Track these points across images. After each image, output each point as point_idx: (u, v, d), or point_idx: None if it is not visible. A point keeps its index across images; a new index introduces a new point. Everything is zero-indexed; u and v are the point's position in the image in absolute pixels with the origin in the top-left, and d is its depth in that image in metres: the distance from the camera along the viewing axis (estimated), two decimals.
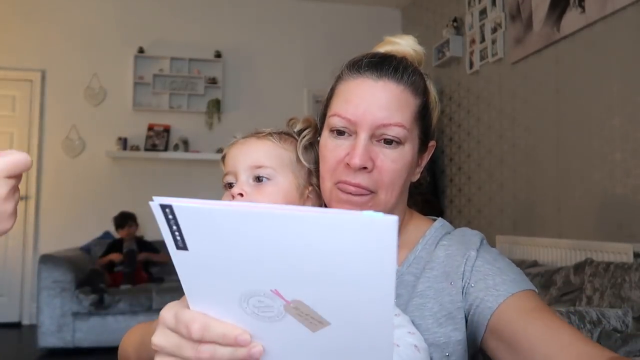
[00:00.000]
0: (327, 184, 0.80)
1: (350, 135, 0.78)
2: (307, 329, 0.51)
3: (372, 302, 0.48)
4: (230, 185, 0.82)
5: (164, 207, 0.47)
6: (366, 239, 0.43)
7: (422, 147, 0.84)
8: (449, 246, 0.83)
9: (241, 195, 0.78)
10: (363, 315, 0.49)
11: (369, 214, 0.42)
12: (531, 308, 0.74)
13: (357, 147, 0.76)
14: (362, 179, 0.77)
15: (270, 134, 0.84)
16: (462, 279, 0.79)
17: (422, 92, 0.82)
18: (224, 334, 0.52)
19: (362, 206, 0.78)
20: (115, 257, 4.39)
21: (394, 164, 0.77)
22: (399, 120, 0.77)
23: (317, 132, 0.87)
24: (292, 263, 0.47)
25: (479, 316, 0.76)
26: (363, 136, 0.76)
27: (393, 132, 0.76)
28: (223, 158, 0.87)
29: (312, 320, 0.50)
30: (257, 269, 0.48)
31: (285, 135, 0.86)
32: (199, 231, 0.48)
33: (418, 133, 0.81)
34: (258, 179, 0.80)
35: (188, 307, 0.55)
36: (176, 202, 0.47)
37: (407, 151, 0.79)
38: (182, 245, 0.49)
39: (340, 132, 0.79)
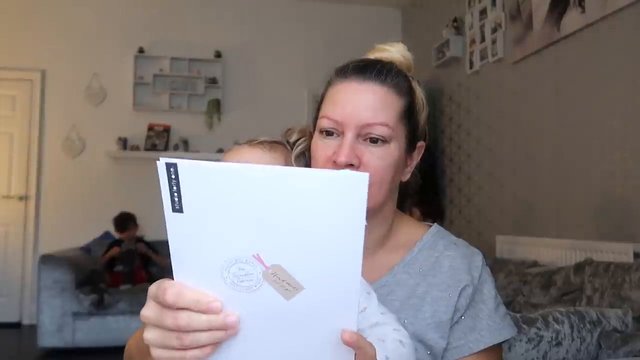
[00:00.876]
0: None
1: (339, 135, 0.83)
2: (282, 297, 0.55)
3: (342, 258, 0.53)
4: None
5: (169, 165, 0.50)
6: (341, 192, 0.50)
7: (410, 147, 0.88)
8: (454, 258, 0.87)
9: None
10: (334, 275, 0.54)
11: (344, 171, 0.50)
12: None
13: (344, 145, 0.80)
14: None
15: (261, 142, 0.88)
16: (457, 301, 0.84)
17: (406, 93, 0.86)
18: (197, 300, 0.56)
19: None
20: (116, 250, 4.40)
21: (380, 161, 0.81)
22: (384, 119, 0.81)
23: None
24: (275, 222, 0.52)
25: (456, 349, 0.83)
26: (349, 135, 0.81)
27: (378, 131, 0.81)
28: None
29: (288, 286, 0.54)
30: (244, 230, 0.52)
31: (276, 144, 0.90)
32: (196, 191, 0.52)
33: (405, 132, 0.85)
34: None
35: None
36: (181, 161, 0.51)
37: (393, 149, 0.83)
38: (178, 207, 0.52)
39: (329, 133, 0.83)
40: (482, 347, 0.82)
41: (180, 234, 0.54)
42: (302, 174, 0.51)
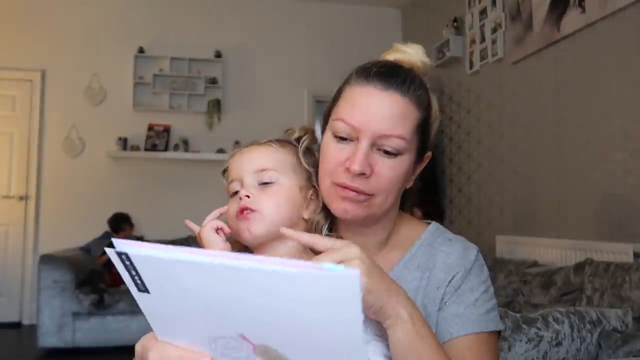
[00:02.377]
0: (326, 182, 0.84)
1: (352, 140, 0.81)
2: None
3: (342, 349, 0.47)
4: (236, 194, 0.84)
5: (120, 254, 0.47)
6: (329, 291, 0.43)
7: (419, 157, 0.87)
8: (448, 254, 0.88)
9: (248, 197, 0.81)
10: (333, 358, 0.49)
11: (329, 268, 0.41)
12: (482, 352, 0.82)
13: (358, 153, 0.79)
14: (360, 183, 0.81)
15: (270, 140, 0.88)
16: (445, 291, 0.84)
17: (425, 106, 0.85)
18: (181, 357, 0.53)
19: (358, 205, 0.82)
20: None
21: (392, 171, 0.81)
22: (401, 132, 0.80)
23: (314, 138, 0.91)
24: (256, 313, 0.46)
25: (438, 334, 0.81)
26: (364, 143, 0.80)
27: (393, 144, 0.80)
28: (224, 172, 0.91)
29: None
30: (222, 316, 0.48)
31: (283, 141, 0.89)
32: (158, 278, 0.47)
33: (416, 145, 0.84)
34: (263, 182, 0.83)
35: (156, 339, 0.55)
36: (133, 250, 0.45)
37: (404, 161, 0.82)
38: (143, 289, 0.49)
39: (342, 138, 0.82)
40: (461, 333, 0.81)
41: (154, 311, 0.51)
42: (280, 274, 0.42)
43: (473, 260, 0.87)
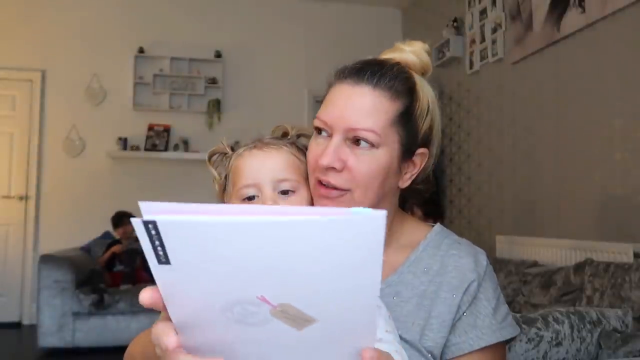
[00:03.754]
0: (311, 180, 0.84)
1: (329, 136, 0.82)
2: (294, 329, 0.52)
3: (358, 294, 0.49)
4: (249, 198, 0.83)
5: (147, 223, 0.45)
6: (355, 235, 0.44)
7: (407, 153, 0.84)
8: (459, 257, 0.86)
9: None
10: (349, 308, 0.50)
11: (356, 211, 0.43)
12: None
13: (328, 148, 0.80)
14: (332, 177, 0.81)
15: (284, 144, 0.86)
16: (462, 299, 0.83)
17: (404, 96, 0.83)
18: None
19: (337, 202, 0.82)
20: (116, 248, 4.40)
21: (365, 165, 0.80)
22: (370, 125, 0.80)
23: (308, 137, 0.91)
24: (279, 269, 0.47)
25: (456, 346, 0.82)
26: (336, 138, 0.81)
27: (363, 136, 0.80)
28: (210, 158, 0.90)
29: (299, 320, 0.51)
30: (243, 277, 0.48)
31: (292, 144, 0.88)
32: (183, 245, 0.47)
33: (398, 138, 0.82)
34: (283, 191, 0.82)
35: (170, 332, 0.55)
36: (161, 218, 0.45)
37: (380, 155, 0.81)
38: (164, 260, 0.48)
39: (320, 133, 0.83)
40: (482, 345, 0.82)
41: (171, 285, 0.51)
42: (308, 223, 0.44)
43: (485, 266, 0.87)
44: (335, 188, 0.81)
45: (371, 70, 0.82)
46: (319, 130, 0.84)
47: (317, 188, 0.82)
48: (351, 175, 0.80)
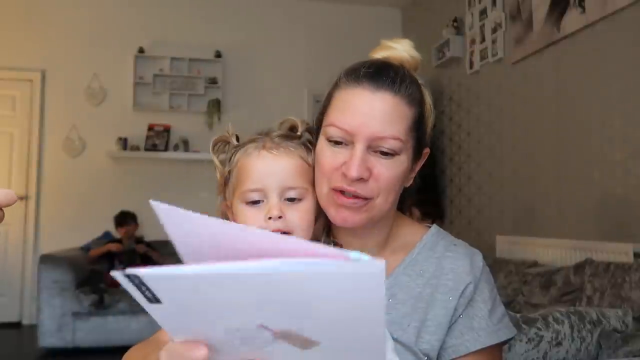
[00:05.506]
0: (323, 188, 0.81)
1: (347, 144, 0.79)
2: (297, 349, 0.51)
3: (363, 332, 0.48)
4: (254, 202, 0.81)
5: (130, 277, 0.44)
6: (354, 284, 0.43)
7: (417, 155, 0.85)
8: (455, 259, 0.86)
9: (280, 217, 0.78)
10: (354, 338, 0.49)
11: (355, 257, 0.41)
12: None
13: (354, 158, 0.77)
14: (358, 187, 0.79)
15: (294, 147, 0.84)
16: (458, 302, 0.83)
17: (418, 103, 0.82)
18: (185, 351, 0.51)
19: (357, 210, 0.80)
20: (114, 247, 4.39)
21: (390, 172, 0.79)
22: (395, 132, 0.78)
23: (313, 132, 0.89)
24: (276, 308, 0.46)
25: (452, 348, 0.82)
26: (360, 147, 0.78)
27: (389, 145, 0.78)
28: (214, 147, 0.88)
29: (303, 341, 0.50)
30: (239, 312, 0.47)
31: (302, 145, 0.86)
32: (171, 291, 0.46)
33: (413, 143, 0.82)
34: (290, 198, 0.81)
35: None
36: (144, 272, 0.44)
37: (402, 160, 0.81)
38: (154, 301, 0.47)
39: (337, 142, 0.80)
40: (478, 347, 0.82)
41: (168, 320, 0.50)
42: (305, 276, 0.43)
43: (481, 268, 0.86)
44: (357, 197, 0.79)
45: (390, 77, 0.80)
46: (333, 139, 0.80)
47: (335, 197, 0.80)
48: (377, 183, 0.79)
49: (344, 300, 0.44)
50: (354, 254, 0.42)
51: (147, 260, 4.51)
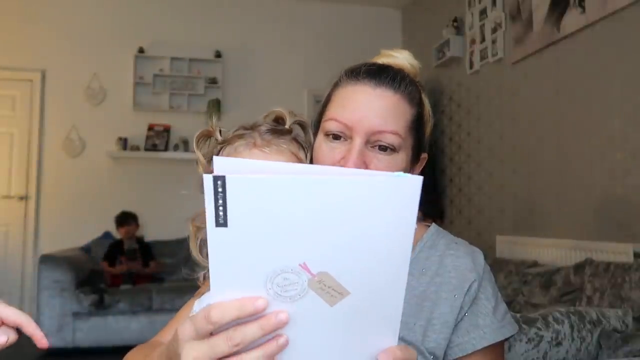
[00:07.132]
0: None
1: (346, 140, 0.80)
2: (326, 304, 0.54)
3: (391, 261, 0.53)
4: None
5: (216, 179, 0.49)
6: (394, 197, 0.51)
7: (415, 158, 0.86)
8: (457, 257, 0.86)
9: None
10: (382, 279, 0.54)
11: (397, 174, 0.50)
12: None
13: (352, 151, 0.78)
14: None
15: (285, 143, 0.84)
16: (464, 300, 0.83)
17: (417, 103, 0.84)
18: (241, 306, 0.53)
19: None
20: (122, 268, 4.37)
21: (387, 168, 0.79)
22: (394, 127, 0.79)
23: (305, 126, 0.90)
24: (325, 229, 0.51)
25: (459, 346, 0.82)
26: (358, 141, 0.78)
27: (388, 140, 0.78)
28: (197, 141, 0.86)
29: (334, 292, 0.54)
30: (291, 240, 0.51)
31: (293, 140, 0.85)
32: (243, 204, 0.50)
33: (411, 143, 0.83)
34: None
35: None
36: (229, 175, 0.49)
37: (400, 159, 0.81)
38: (222, 222, 0.51)
39: (335, 137, 0.80)
40: (485, 345, 0.82)
41: (223, 249, 0.52)
42: (357, 182, 0.50)
43: (483, 265, 0.87)
44: None
45: (391, 75, 0.81)
46: (332, 135, 0.81)
47: None
48: None
49: (384, 210, 0.51)
50: (397, 173, 0.51)
51: (145, 261, 4.51)
